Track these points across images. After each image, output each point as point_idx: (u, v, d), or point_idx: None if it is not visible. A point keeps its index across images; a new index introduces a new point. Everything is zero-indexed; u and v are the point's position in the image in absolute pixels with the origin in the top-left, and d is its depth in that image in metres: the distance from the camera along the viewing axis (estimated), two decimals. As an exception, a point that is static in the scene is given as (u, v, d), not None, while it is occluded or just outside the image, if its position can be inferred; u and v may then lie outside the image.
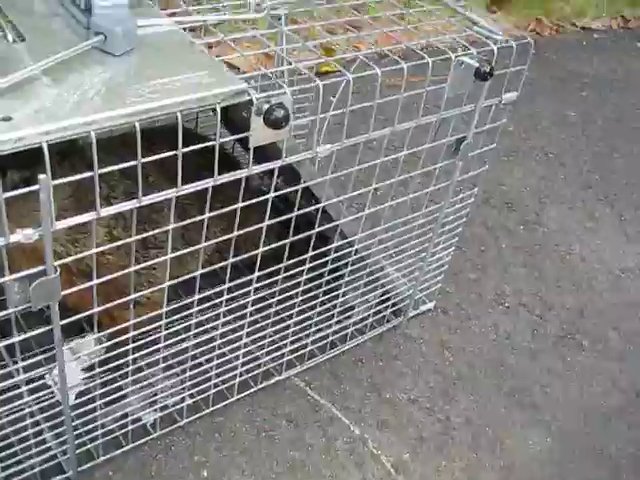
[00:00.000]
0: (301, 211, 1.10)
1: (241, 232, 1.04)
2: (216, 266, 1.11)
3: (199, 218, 0.98)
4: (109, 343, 1.10)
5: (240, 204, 1.00)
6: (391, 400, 1.48)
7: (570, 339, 1.74)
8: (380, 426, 1.43)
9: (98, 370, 1.09)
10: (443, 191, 1.38)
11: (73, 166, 0.89)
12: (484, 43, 1.22)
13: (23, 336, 0.92)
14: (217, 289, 1.15)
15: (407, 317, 1.62)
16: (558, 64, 3.11)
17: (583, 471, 1.45)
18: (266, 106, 0.89)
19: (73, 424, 1.13)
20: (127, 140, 1.05)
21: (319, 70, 1.86)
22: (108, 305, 0.99)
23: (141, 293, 1.03)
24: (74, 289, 0.90)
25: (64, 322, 0.93)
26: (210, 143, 0.91)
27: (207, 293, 1.14)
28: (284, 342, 1.38)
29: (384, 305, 1.54)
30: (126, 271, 0.96)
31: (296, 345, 1.41)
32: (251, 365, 1.35)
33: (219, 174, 0.92)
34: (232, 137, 0.92)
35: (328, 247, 1.25)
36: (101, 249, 0.92)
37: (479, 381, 1.57)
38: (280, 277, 1.21)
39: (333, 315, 1.42)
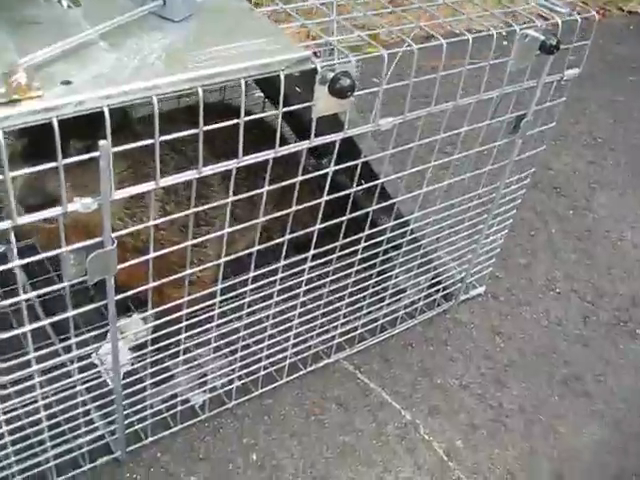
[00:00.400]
0: (361, 187, 1.06)
1: (296, 208, 1.01)
2: (266, 244, 1.08)
3: (256, 192, 0.95)
4: (157, 322, 1.07)
5: (297, 179, 0.96)
6: (442, 385, 1.45)
7: (623, 327, 1.69)
8: (431, 412, 1.39)
9: (147, 350, 1.07)
10: (500, 171, 1.33)
11: (126, 138, 0.86)
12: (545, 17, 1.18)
13: (75, 312, 0.89)
14: (269, 268, 1.11)
15: (458, 301, 1.58)
16: (605, 48, 3.03)
17: (639, 461, 1.41)
18: (331, 74, 0.85)
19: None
20: (174, 116, 1.02)
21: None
22: (162, 281, 0.96)
23: (193, 270, 1.00)
24: (131, 262, 0.88)
25: (119, 297, 0.91)
26: (269, 113, 0.87)
27: (260, 271, 1.11)
28: (334, 325, 1.34)
29: (435, 289, 1.51)
30: (181, 245, 0.93)
31: (346, 328, 1.38)
32: (301, 347, 1.32)
33: (267, 149, 0.89)
34: (292, 107, 0.88)
35: (383, 226, 1.22)
36: (158, 221, 0.89)
37: (531, 368, 1.53)
38: (334, 256, 1.17)
39: (384, 298, 1.39)
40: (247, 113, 0.83)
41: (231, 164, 0.86)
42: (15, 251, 0.77)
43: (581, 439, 1.42)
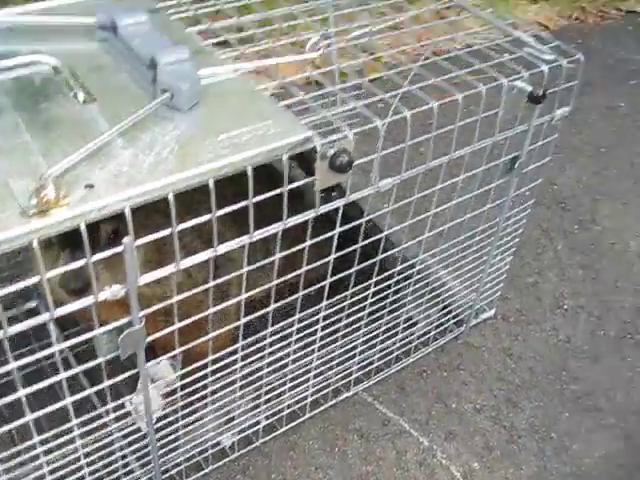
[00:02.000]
0: (366, 241, 1.14)
1: (308, 267, 1.09)
2: (284, 301, 1.16)
3: (270, 260, 1.03)
4: (185, 370, 1.15)
5: (307, 243, 1.04)
6: (457, 410, 1.52)
7: (630, 339, 1.75)
8: (448, 437, 1.47)
9: (177, 395, 1.15)
10: (499, 207, 1.40)
11: (150, 217, 0.94)
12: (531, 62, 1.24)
13: (110, 382, 0.98)
14: (288, 320, 1.20)
15: (469, 326, 1.65)
16: (604, 52, 3.09)
17: (652, 474, 1.48)
18: (331, 152, 0.93)
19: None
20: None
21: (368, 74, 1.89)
22: (190, 345, 1.05)
23: (216, 333, 1.08)
24: (160, 334, 0.96)
25: (149, 364, 0.99)
26: (285, 188, 0.94)
27: (278, 325, 1.19)
28: (352, 360, 1.42)
29: (446, 317, 1.58)
30: (206, 313, 1.02)
31: (363, 362, 1.46)
32: (321, 383, 1.40)
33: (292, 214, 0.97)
34: (294, 184, 0.96)
35: (391, 272, 1.29)
36: (182, 297, 0.97)
37: (542, 387, 1.60)
38: (347, 303, 1.25)
39: (397, 330, 1.46)
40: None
41: (244, 240, 0.94)
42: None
43: (593, 454, 1.49)
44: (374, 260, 1.22)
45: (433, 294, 1.46)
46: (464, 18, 1.36)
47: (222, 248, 0.93)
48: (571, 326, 1.75)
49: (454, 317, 1.60)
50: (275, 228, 0.97)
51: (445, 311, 1.57)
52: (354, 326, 1.34)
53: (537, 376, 1.62)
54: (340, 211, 1.04)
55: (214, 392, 1.22)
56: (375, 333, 1.41)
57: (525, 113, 1.23)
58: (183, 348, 1.04)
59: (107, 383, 0.97)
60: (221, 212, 0.88)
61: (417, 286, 1.39)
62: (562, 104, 1.28)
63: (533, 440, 1.49)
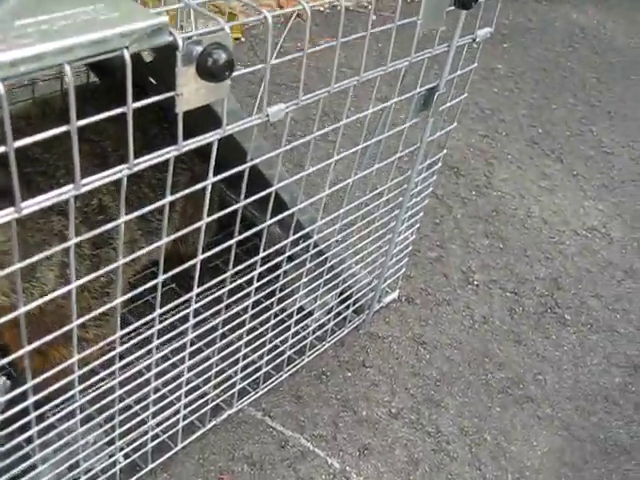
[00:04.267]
0: (250, 200, 0.81)
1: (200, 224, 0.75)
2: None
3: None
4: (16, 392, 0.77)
5: (165, 200, 0.70)
6: (369, 418, 1.22)
7: (551, 314, 1.52)
8: (362, 453, 1.16)
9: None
10: (410, 157, 1.12)
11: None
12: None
13: None
14: (145, 319, 0.84)
15: (371, 313, 1.35)
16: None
17: (600, 467, 1.23)
18: (199, 49, 0.59)
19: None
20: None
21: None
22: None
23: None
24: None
25: None
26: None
27: (132, 327, 0.83)
28: (233, 368, 1.09)
29: (345, 304, 1.27)
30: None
31: (248, 369, 1.12)
32: (196, 402, 1.06)
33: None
34: (143, 102, 0.61)
35: (281, 244, 0.97)
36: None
37: (464, 379, 1.33)
38: (225, 290, 0.91)
39: (289, 325, 1.14)
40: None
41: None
42: None
43: (535, 453, 1.23)
44: (262, 226, 0.88)
45: (331, 274, 1.14)
46: None
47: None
48: (486, 304, 1.50)
49: (354, 304, 1.29)
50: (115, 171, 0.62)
51: (343, 297, 1.26)
52: (236, 321, 1.01)
53: (457, 366, 1.35)
54: (215, 147, 0.70)
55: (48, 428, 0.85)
56: (261, 330, 1.08)
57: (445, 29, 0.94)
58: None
59: None
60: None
61: (312, 264, 1.06)
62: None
63: (465, 445, 1.21)
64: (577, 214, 1.84)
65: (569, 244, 1.73)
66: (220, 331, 0.97)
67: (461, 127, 2.08)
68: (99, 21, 0.57)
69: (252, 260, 0.92)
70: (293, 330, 1.15)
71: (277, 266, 0.99)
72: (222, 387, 1.09)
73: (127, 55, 0.56)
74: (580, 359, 1.43)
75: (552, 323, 1.49)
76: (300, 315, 1.15)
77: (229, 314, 0.96)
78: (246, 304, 0.98)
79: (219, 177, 0.74)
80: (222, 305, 0.94)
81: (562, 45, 2.91)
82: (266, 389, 1.20)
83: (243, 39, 2.12)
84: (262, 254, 0.92)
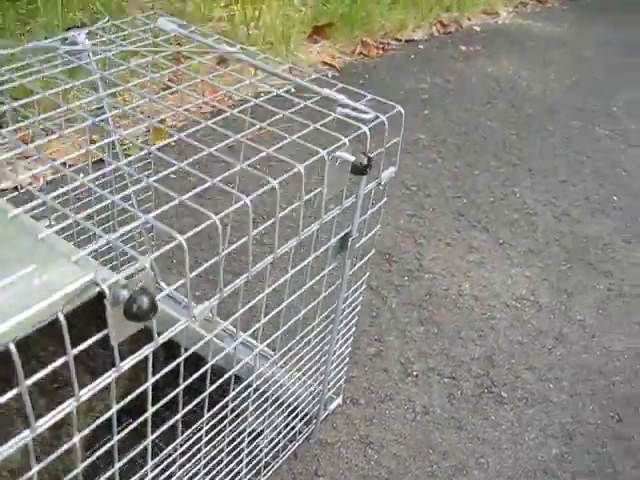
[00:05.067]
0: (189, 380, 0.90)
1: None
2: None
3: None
4: None
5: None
6: (325, 528, 1.31)
7: (488, 393, 1.62)
8: None
9: None
10: (335, 292, 1.21)
11: None
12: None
13: None
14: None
15: (319, 422, 1.44)
16: (394, 84, 3.04)
17: None
18: (124, 293, 0.68)
19: None
20: None
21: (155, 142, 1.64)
22: None
23: None
24: None
25: None
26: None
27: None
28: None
29: (293, 421, 1.36)
30: None
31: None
32: None
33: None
34: (89, 340, 0.70)
35: (224, 400, 1.06)
36: None
37: (411, 474, 1.42)
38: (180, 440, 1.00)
39: (242, 449, 1.22)
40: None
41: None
42: None
43: (481, 541, 1.33)
44: (203, 395, 0.97)
45: (277, 400, 1.23)
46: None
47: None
48: (426, 394, 1.59)
49: (302, 418, 1.38)
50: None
51: (292, 414, 1.35)
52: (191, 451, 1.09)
53: (404, 462, 1.44)
54: (150, 358, 0.79)
55: None
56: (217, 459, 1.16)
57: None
58: None
59: None
60: None
61: (258, 400, 1.16)
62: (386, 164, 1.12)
63: (415, 542, 1.30)
64: (505, 285, 1.96)
65: (500, 318, 1.84)
66: (178, 462, 1.05)
67: (389, 209, 2.20)
68: (34, 290, 0.66)
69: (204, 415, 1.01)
70: (246, 451, 1.23)
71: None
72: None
73: (62, 317, 0.65)
74: (518, 436, 1.53)
75: (490, 403, 1.60)
76: (251, 437, 1.23)
77: (185, 446, 1.05)
78: (200, 433, 1.07)
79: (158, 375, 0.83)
80: (178, 441, 1.02)
81: (480, 103, 3.07)
82: (226, 516, 1.27)
83: (173, 144, 2.20)
84: (207, 415, 1.01)
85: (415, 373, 1.64)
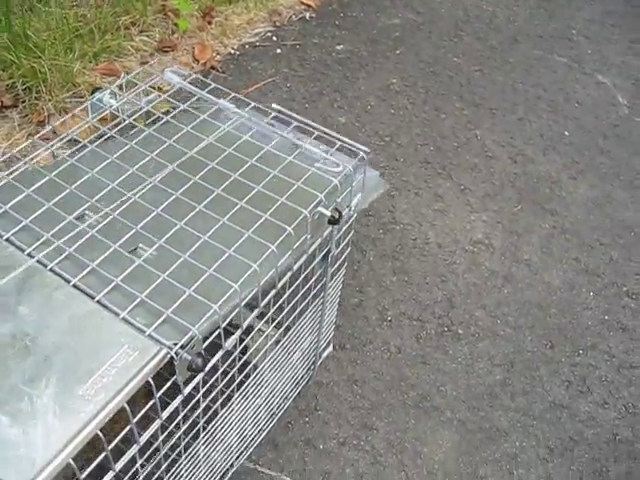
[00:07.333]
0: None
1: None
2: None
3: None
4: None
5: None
6: (325, 449, 1.77)
7: (448, 332, 2.06)
8: (325, 477, 1.71)
9: None
10: (320, 293, 1.61)
11: None
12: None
13: None
14: None
15: (316, 368, 1.88)
16: (367, 22, 3.26)
17: (486, 450, 1.80)
18: (187, 357, 1.09)
19: None
20: None
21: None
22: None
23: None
24: None
25: None
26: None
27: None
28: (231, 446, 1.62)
29: (299, 369, 1.80)
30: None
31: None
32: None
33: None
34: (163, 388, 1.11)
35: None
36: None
37: (388, 403, 1.88)
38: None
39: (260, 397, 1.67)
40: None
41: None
42: None
43: (440, 450, 1.79)
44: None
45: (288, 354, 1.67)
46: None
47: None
48: (398, 336, 2.03)
49: (305, 366, 1.82)
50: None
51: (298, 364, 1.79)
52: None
53: (382, 394, 1.89)
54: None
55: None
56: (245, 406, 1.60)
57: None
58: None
59: None
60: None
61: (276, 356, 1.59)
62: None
63: (392, 455, 1.77)
64: (465, 230, 2.36)
65: (459, 262, 2.26)
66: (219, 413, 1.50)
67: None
68: (128, 364, 1.06)
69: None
70: (264, 397, 1.68)
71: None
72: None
73: (153, 385, 1.06)
74: (470, 366, 1.98)
75: (449, 340, 2.04)
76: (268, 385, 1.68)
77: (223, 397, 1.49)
78: (232, 386, 1.51)
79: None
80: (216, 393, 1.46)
81: (449, 37, 3.33)
82: (253, 447, 1.74)
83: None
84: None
85: (389, 318, 2.08)
